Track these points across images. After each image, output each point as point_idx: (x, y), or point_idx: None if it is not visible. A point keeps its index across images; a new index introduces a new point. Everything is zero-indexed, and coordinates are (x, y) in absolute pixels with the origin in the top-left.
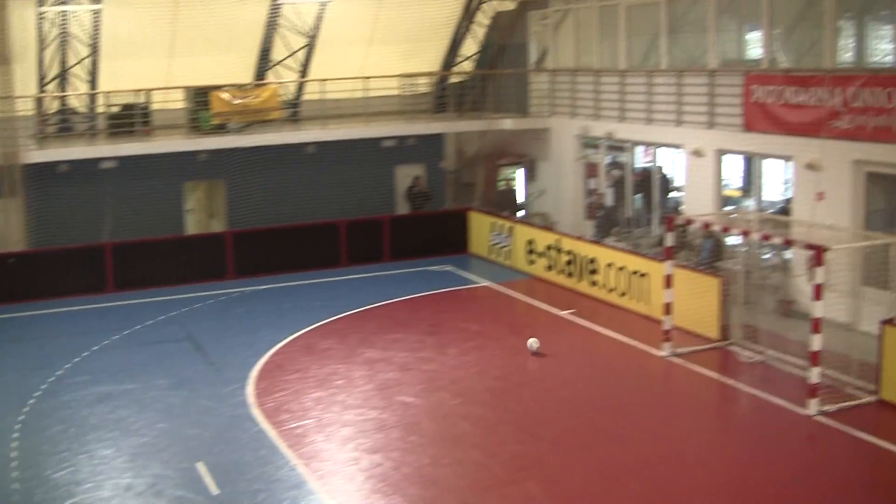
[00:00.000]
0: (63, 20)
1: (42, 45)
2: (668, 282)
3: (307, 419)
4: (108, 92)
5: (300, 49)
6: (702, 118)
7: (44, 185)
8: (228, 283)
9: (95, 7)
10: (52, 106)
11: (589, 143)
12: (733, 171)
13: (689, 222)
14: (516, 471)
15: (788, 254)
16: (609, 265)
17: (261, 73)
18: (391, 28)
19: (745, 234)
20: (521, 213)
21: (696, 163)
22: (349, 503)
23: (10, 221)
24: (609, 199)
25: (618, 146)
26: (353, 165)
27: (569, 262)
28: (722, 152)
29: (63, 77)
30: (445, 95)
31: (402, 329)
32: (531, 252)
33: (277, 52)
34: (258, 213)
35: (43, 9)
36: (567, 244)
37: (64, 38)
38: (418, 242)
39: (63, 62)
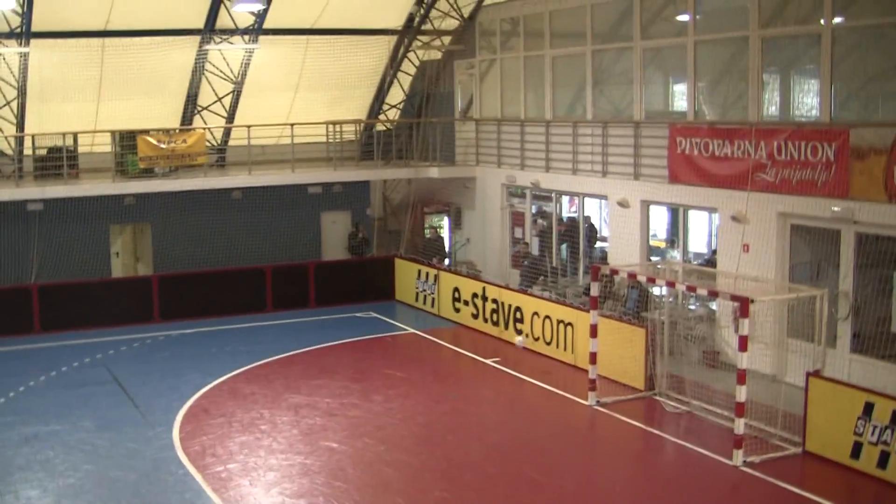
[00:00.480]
0: None
1: None
2: (594, 331)
3: (232, 463)
4: (35, 134)
5: (227, 95)
6: (627, 169)
7: None
8: (154, 326)
9: (23, 50)
10: None
11: (515, 192)
12: (659, 222)
13: (614, 272)
14: None
15: (714, 305)
16: (535, 314)
17: (188, 117)
18: (318, 75)
19: (671, 284)
20: (447, 261)
21: (621, 213)
22: None
23: None
24: (535, 249)
25: (544, 195)
26: (279, 211)
27: (494, 311)
28: (647, 203)
29: None
30: (372, 143)
31: (328, 375)
32: (457, 300)
33: (204, 98)
34: (184, 257)
35: None
36: (492, 293)
37: None
38: (344, 289)
39: None
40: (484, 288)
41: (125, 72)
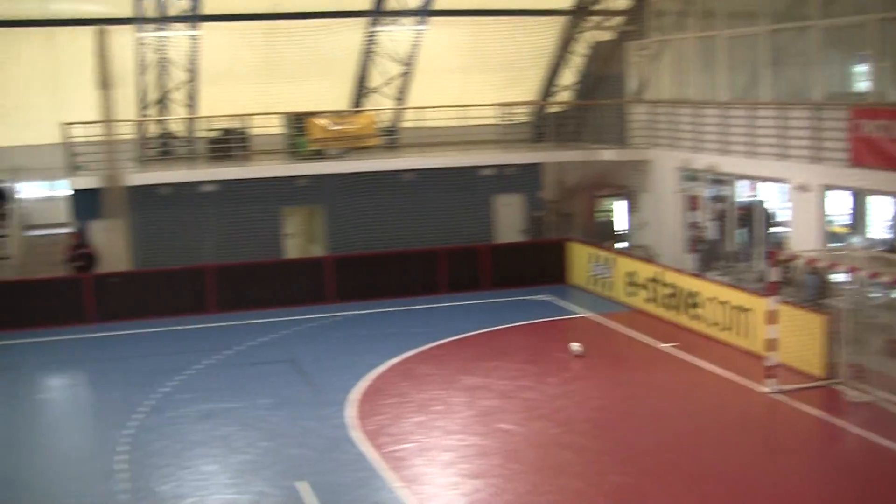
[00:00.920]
0: (162, 46)
1: (142, 70)
2: (773, 318)
3: (407, 443)
4: (208, 117)
5: (396, 76)
6: (806, 152)
7: (146, 207)
8: (329, 306)
9: (194, 33)
10: (153, 130)
11: (690, 175)
12: (839, 207)
13: (793, 258)
14: (618, 502)
15: None
16: (711, 299)
17: (357, 99)
18: (489, 57)
19: (853, 271)
20: (621, 245)
21: (800, 198)
22: None
23: (113, 242)
24: (711, 233)
25: (720, 179)
26: (450, 193)
27: (670, 295)
28: (827, 187)
29: (163, 102)
30: (544, 125)
31: (502, 357)
32: (632, 284)
33: (374, 80)
34: (356, 239)
35: (142, 35)
36: (668, 277)
37: (163, 64)
38: (517, 271)
39: (162, 87)
40: (660, 272)
41: (294, 54)
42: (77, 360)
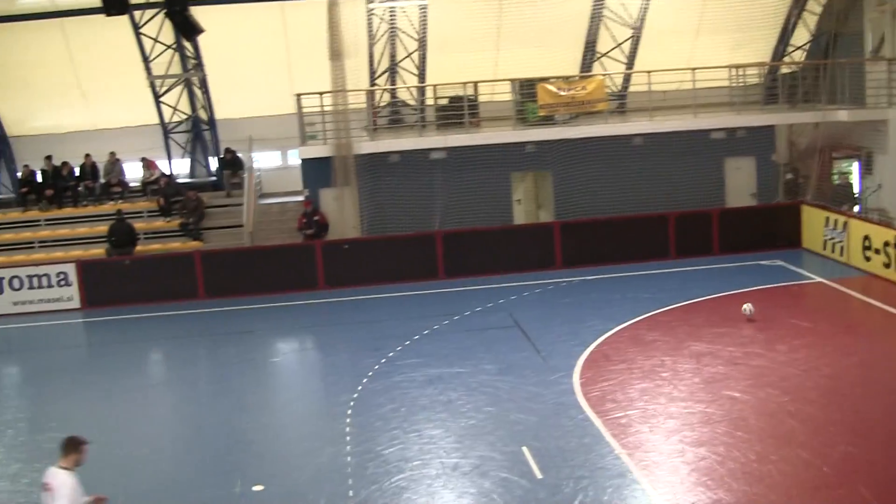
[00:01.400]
0: (392, 16)
1: (372, 40)
2: None
3: (632, 409)
4: (437, 85)
5: (626, 41)
6: None
7: (376, 175)
8: (556, 272)
9: (423, 2)
10: (383, 99)
11: None
12: None
13: None
14: (847, 473)
15: None
16: None
17: (586, 65)
18: (719, 18)
19: None
20: (857, 208)
21: None
22: (673, 495)
23: (344, 210)
24: None
25: None
26: (679, 157)
27: None
28: None
29: (393, 71)
30: (776, 86)
31: (731, 323)
32: (867, 248)
33: (603, 44)
34: (584, 204)
35: (372, 5)
36: None
37: (393, 34)
38: (749, 236)
39: (392, 56)
40: None
41: (523, 21)
42: (308, 324)
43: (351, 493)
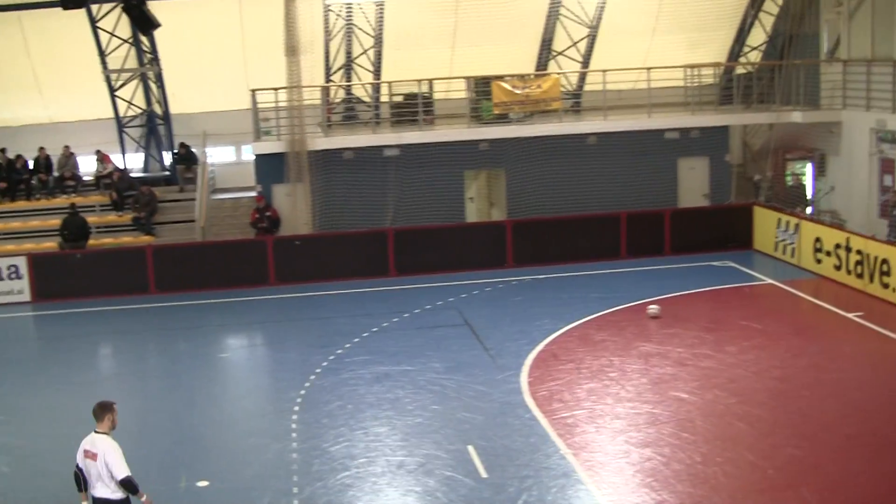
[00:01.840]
0: (348, 12)
1: (328, 36)
2: None
3: (579, 409)
4: (392, 82)
5: (582, 39)
6: None
7: (329, 172)
8: (507, 271)
9: None
10: (338, 95)
11: (885, 137)
12: None
13: None
14: (792, 476)
15: None
16: None
17: (542, 63)
18: (675, 18)
19: None
20: (809, 210)
21: None
22: (617, 496)
23: (296, 205)
24: None
25: None
26: (633, 157)
27: (859, 263)
28: None
29: (348, 67)
30: (732, 87)
31: (680, 324)
32: (819, 251)
33: (559, 43)
34: (537, 203)
35: (329, 1)
36: (857, 243)
37: (349, 30)
38: (700, 237)
39: (348, 53)
40: (848, 238)
41: (479, 18)
42: (258, 320)
43: (296, 489)
